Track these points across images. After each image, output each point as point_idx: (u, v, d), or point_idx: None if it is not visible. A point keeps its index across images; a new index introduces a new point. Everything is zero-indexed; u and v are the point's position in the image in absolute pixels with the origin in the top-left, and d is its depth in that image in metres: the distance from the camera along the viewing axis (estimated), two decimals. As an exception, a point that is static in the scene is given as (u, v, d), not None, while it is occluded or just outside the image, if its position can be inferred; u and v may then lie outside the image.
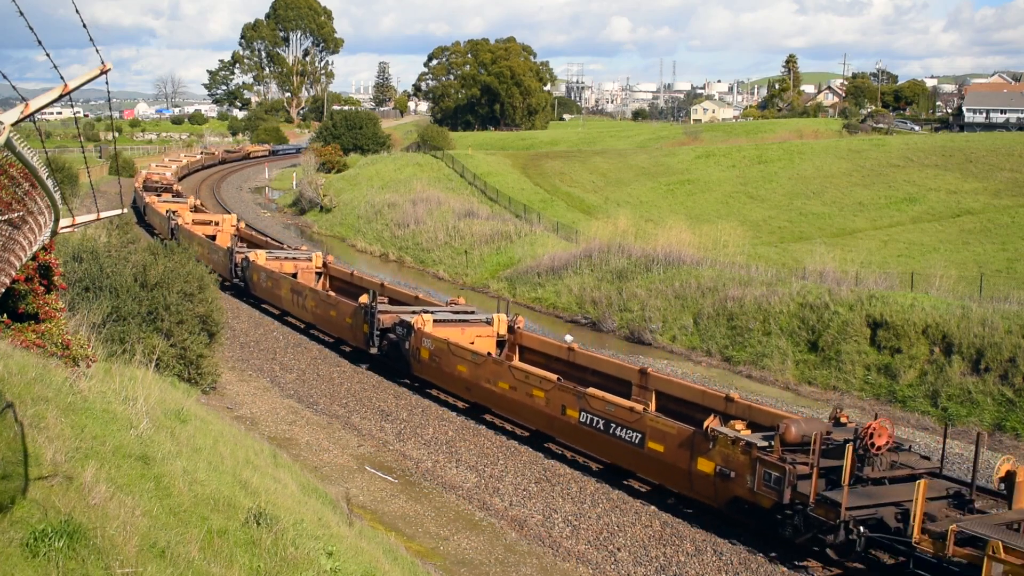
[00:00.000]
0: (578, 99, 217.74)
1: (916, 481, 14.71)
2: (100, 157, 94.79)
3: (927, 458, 16.97)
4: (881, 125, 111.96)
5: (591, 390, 20.14)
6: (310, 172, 76.65)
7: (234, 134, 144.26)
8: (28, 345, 11.13)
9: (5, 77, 4.61)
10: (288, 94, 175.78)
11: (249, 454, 12.37)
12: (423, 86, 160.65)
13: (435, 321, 25.46)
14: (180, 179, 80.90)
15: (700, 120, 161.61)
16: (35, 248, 6.85)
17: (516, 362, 23.80)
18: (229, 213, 52.74)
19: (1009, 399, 24.24)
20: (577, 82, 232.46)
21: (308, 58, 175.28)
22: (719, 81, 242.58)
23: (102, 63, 4.57)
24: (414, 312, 26.31)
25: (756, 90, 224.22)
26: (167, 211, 47.26)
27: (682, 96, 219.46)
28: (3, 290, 6.69)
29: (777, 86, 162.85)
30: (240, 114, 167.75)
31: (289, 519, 8.87)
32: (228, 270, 37.05)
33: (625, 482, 19.48)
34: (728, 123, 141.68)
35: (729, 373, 29.78)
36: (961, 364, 25.65)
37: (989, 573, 12.89)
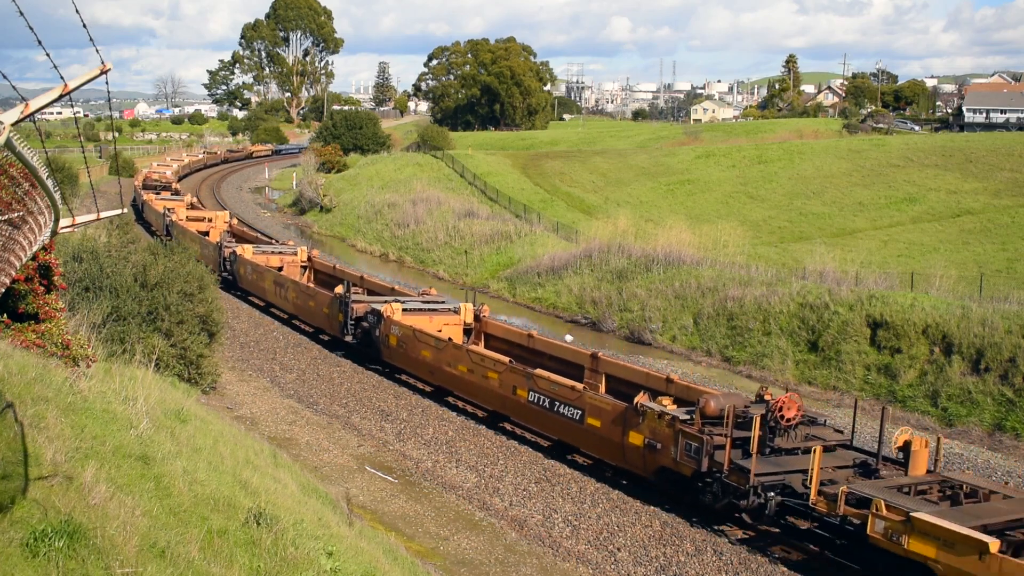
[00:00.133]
0: (578, 99, 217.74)
1: (829, 451, 16.54)
2: (100, 157, 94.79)
3: (840, 431, 18.18)
4: (881, 125, 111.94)
5: (538, 371, 21.45)
6: (310, 172, 76.65)
7: (234, 134, 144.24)
8: (28, 345, 11.13)
9: (5, 77, 4.61)
10: (288, 94, 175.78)
11: (249, 454, 12.37)
12: (423, 86, 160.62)
13: (404, 310, 26.80)
14: (181, 178, 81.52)
15: (700, 120, 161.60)
16: (35, 248, 6.85)
17: (472, 346, 24.86)
18: (226, 211, 53.91)
19: (1009, 399, 24.24)
20: (577, 82, 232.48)
21: (308, 58, 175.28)
22: (719, 81, 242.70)
23: (102, 63, 4.57)
24: (385, 301, 27.63)
25: (756, 90, 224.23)
26: (163, 208, 48.72)
27: (682, 96, 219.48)
28: (3, 290, 6.69)
29: (777, 86, 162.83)
30: (240, 114, 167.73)
31: (289, 519, 8.87)
32: (217, 264, 37.80)
33: (569, 456, 20.77)
34: (728, 123, 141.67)
35: (729, 373, 29.77)
36: (961, 364, 25.65)
37: (873, 528, 14.37)
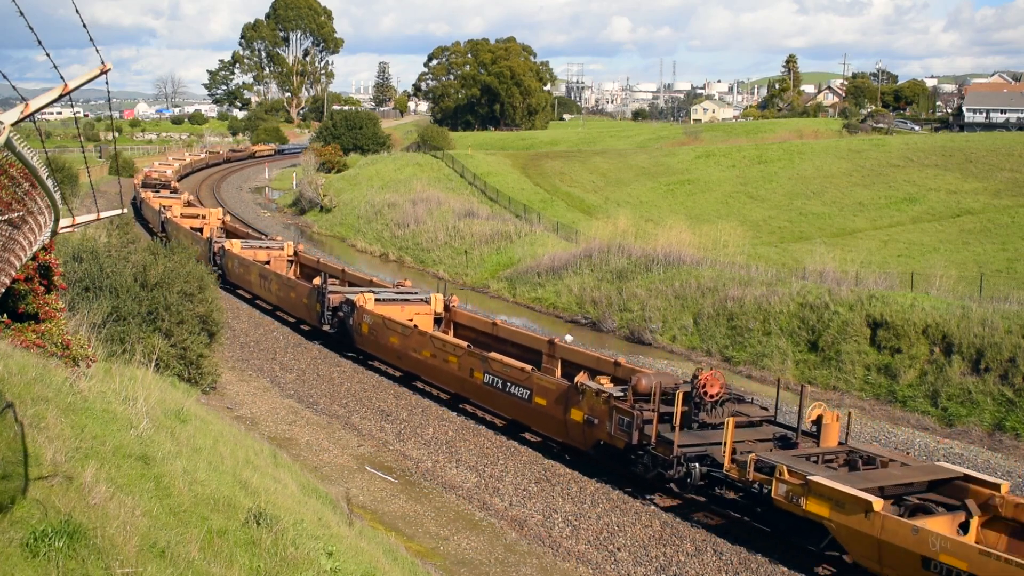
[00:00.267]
0: (578, 99, 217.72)
1: (754, 426, 18.15)
2: (100, 157, 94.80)
3: (765, 408, 19.55)
4: (881, 125, 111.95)
5: (492, 354, 22.83)
6: (310, 172, 76.65)
7: (234, 134, 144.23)
8: (28, 345, 11.13)
9: (5, 77, 4.61)
10: (288, 94, 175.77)
11: (249, 454, 12.37)
12: (423, 86, 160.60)
13: (377, 300, 28.04)
14: (182, 178, 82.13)
15: (700, 120, 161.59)
16: (35, 248, 6.85)
17: (433, 332, 26.03)
18: (220, 208, 55.39)
19: (1009, 399, 24.24)
20: (577, 82, 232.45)
21: (308, 58, 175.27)
22: (719, 81, 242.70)
23: (102, 63, 4.57)
24: (359, 292, 28.90)
25: (756, 90, 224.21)
26: (159, 206, 50.23)
27: (682, 96, 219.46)
28: (3, 290, 6.69)
29: (777, 86, 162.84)
30: (240, 114, 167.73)
31: (289, 519, 8.87)
32: (208, 258, 38.44)
33: (521, 434, 22.04)
34: (728, 123, 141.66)
35: (729, 373, 29.73)
36: (961, 364, 25.65)
37: (777, 492, 15.65)
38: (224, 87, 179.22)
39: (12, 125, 4.16)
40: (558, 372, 23.19)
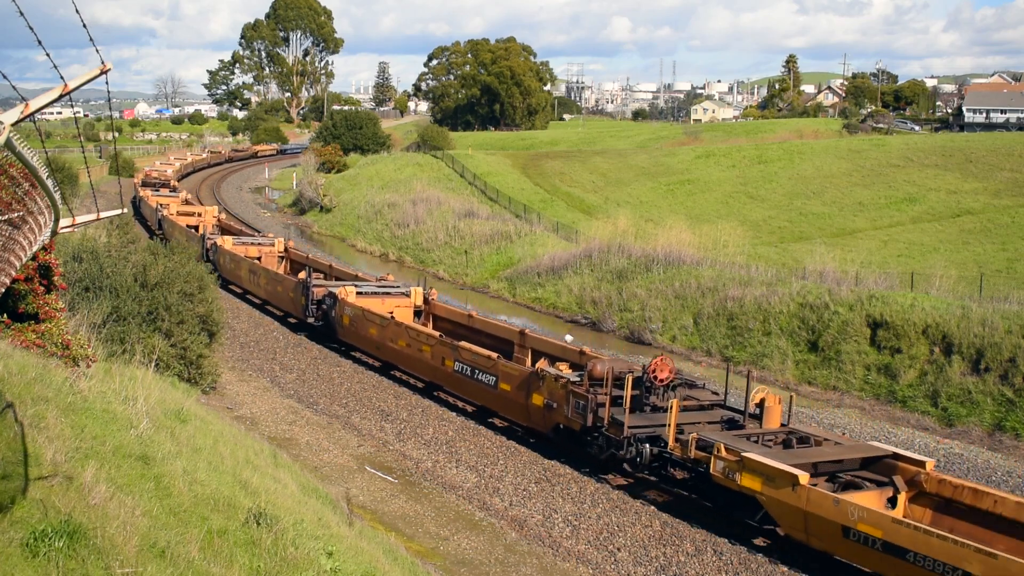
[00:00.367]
0: (578, 99, 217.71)
1: (705, 410, 19.28)
2: (100, 157, 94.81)
3: (716, 393, 20.51)
4: (881, 125, 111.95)
5: (462, 343, 23.75)
6: (310, 172, 76.66)
7: (234, 134, 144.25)
8: (28, 345, 11.13)
9: (5, 77, 4.61)
10: (288, 94, 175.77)
11: (249, 454, 12.37)
12: (423, 86, 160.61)
13: (359, 293, 29.13)
14: (183, 177, 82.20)
15: (700, 120, 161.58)
16: (35, 248, 6.85)
17: (409, 323, 27.04)
18: (216, 206, 56.62)
19: (1009, 399, 24.24)
20: (577, 82, 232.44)
21: (308, 58, 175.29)
22: (719, 81, 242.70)
23: (102, 63, 4.57)
24: (341, 285, 29.97)
25: (756, 90, 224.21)
26: (156, 204, 51.31)
27: (682, 96, 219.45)
28: (3, 290, 6.69)
29: (777, 86, 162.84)
30: (240, 114, 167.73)
31: (289, 519, 8.87)
32: (201, 255, 39.09)
33: (490, 420, 23.00)
34: (728, 123, 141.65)
35: (729, 373, 29.74)
36: (961, 364, 25.65)
37: (715, 468, 16.57)
38: (224, 87, 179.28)
39: (12, 125, 4.16)
40: (528, 361, 23.95)
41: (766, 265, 37.19)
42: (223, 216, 51.51)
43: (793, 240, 53.61)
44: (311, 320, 30.36)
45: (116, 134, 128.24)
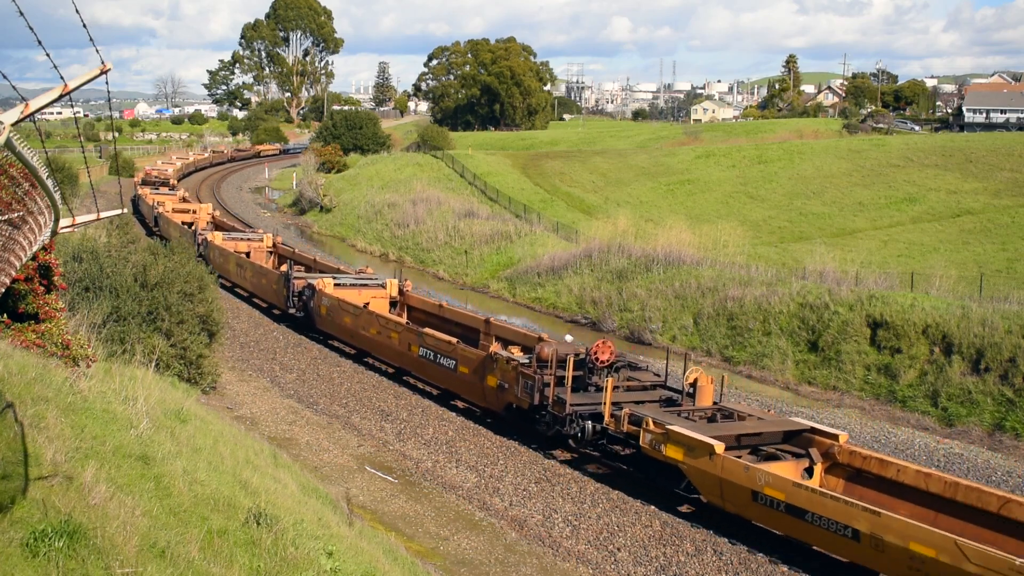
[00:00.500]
0: (578, 99, 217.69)
1: (646, 390, 20.61)
2: (100, 157, 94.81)
3: (657, 375, 21.78)
4: (881, 125, 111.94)
5: (426, 330, 25.26)
6: (310, 172, 76.64)
7: (234, 134, 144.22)
8: (28, 345, 11.13)
9: (5, 77, 4.61)
10: (288, 94, 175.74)
11: (249, 454, 12.37)
12: (423, 86, 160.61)
13: (336, 284, 30.35)
14: (182, 177, 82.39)
15: (700, 120, 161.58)
16: (35, 248, 6.85)
17: (379, 312, 28.09)
18: (209, 203, 57.64)
19: (1009, 399, 24.24)
20: (577, 82, 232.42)
21: (308, 58, 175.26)
22: (719, 81, 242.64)
23: (102, 63, 4.57)
24: (320, 277, 31.21)
25: (756, 90, 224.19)
26: (153, 201, 52.43)
27: (682, 96, 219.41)
28: (3, 290, 6.69)
29: (777, 86, 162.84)
30: (240, 114, 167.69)
31: (289, 519, 8.86)
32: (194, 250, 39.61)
33: (452, 402, 24.35)
34: (728, 123, 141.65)
35: (729, 373, 29.74)
36: (961, 364, 25.65)
37: (644, 440, 17.96)
38: (224, 87, 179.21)
39: (12, 125, 4.16)
40: (493, 346, 24.61)
41: (766, 265, 37.19)
42: (217, 213, 52.35)
43: (793, 240, 53.61)
44: (292, 311, 31.60)
45: (116, 134, 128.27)
